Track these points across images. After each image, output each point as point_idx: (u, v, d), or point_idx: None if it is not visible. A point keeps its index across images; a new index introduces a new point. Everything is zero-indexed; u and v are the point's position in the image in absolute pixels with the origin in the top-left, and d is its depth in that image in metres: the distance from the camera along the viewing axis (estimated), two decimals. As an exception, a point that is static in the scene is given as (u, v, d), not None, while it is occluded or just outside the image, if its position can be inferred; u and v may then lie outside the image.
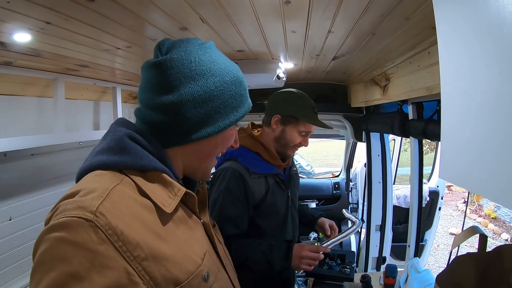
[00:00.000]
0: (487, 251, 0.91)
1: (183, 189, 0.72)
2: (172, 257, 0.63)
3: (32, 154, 1.75)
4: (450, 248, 0.98)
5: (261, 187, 1.52)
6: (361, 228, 1.51)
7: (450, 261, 0.89)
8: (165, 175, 0.70)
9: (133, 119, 2.51)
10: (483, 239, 0.90)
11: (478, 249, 0.91)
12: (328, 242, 1.49)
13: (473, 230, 0.88)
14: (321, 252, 1.40)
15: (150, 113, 0.74)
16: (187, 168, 0.81)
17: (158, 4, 0.99)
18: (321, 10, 1.06)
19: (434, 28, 0.84)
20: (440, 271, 0.84)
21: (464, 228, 0.94)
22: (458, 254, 0.91)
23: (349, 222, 1.53)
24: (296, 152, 1.81)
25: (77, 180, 0.69)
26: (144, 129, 0.75)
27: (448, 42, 0.81)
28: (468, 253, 0.91)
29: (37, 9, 0.92)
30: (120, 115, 2.31)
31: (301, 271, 1.39)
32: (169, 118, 0.73)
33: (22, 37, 1.14)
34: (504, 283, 0.86)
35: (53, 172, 1.93)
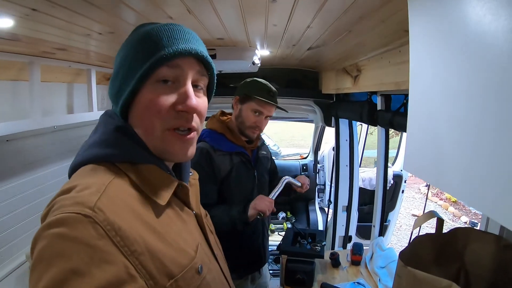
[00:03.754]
0: (443, 232, 1.05)
1: (176, 181, 0.73)
2: (166, 251, 0.64)
3: (7, 140, 1.72)
4: (412, 228, 1.11)
5: (226, 164, 1.69)
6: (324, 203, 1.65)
7: (411, 240, 1.01)
8: (156, 167, 0.71)
9: (106, 100, 2.46)
10: (440, 222, 1.03)
11: (436, 230, 1.04)
12: (271, 194, 1.67)
13: (431, 214, 1.01)
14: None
15: None
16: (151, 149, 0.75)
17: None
18: (303, 9, 1.13)
19: (407, 31, 0.94)
20: (403, 248, 0.95)
21: (425, 211, 1.07)
22: (418, 234, 1.04)
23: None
24: (263, 132, 1.94)
25: (70, 174, 0.68)
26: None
27: (419, 46, 0.91)
28: (426, 234, 1.04)
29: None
30: (94, 97, 2.29)
31: (256, 215, 1.56)
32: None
33: (4, 22, 1.12)
34: (459, 260, 1.01)
35: (28, 157, 1.90)
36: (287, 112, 1.89)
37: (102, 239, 0.54)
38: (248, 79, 1.77)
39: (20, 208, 1.82)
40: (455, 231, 1.02)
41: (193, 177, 0.88)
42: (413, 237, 1.05)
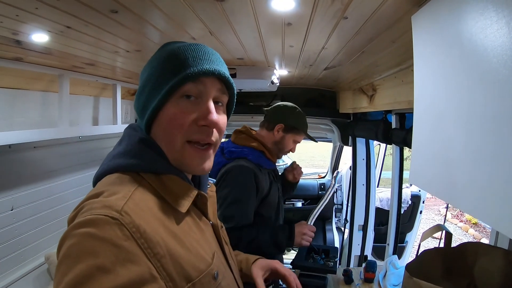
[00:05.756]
0: (452, 246, 1.06)
1: (195, 190, 0.77)
2: (185, 255, 0.67)
3: (34, 147, 1.83)
4: (419, 241, 1.12)
5: (266, 182, 1.77)
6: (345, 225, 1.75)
7: (418, 253, 1.02)
8: (177, 177, 0.74)
9: (130, 114, 2.58)
10: (448, 236, 1.04)
11: (444, 244, 1.05)
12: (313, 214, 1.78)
13: (438, 227, 1.02)
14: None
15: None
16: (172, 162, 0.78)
17: (174, 19, 1.09)
18: (317, 31, 1.19)
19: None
20: (410, 261, 0.97)
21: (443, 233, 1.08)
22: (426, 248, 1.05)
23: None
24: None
25: (95, 182, 0.73)
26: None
27: (423, 65, 0.95)
28: (435, 248, 1.05)
29: (61, 15, 1.00)
30: (119, 111, 2.41)
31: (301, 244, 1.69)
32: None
33: (40, 37, 1.21)
34: (468, 275, 1.01)
35: (53, 164, 2.01)
36: (316, 142, 2.12)
37: (127, 240, 0.57)
38: (289, 107, 1.87)
39: (42, 212, 1.92)
40: (464, 245, 1.03)
41: (211, 189, 0.92)
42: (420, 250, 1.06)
